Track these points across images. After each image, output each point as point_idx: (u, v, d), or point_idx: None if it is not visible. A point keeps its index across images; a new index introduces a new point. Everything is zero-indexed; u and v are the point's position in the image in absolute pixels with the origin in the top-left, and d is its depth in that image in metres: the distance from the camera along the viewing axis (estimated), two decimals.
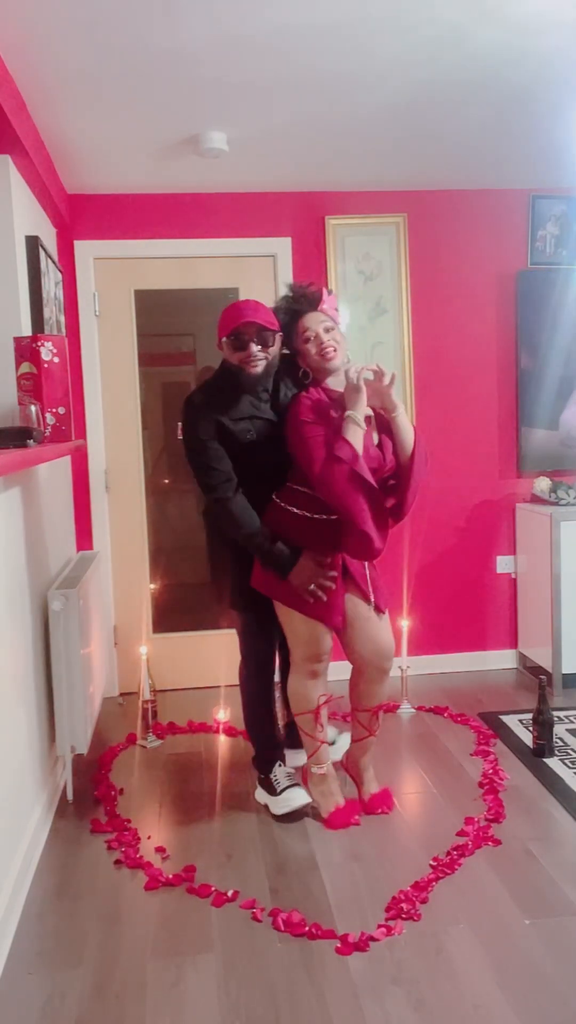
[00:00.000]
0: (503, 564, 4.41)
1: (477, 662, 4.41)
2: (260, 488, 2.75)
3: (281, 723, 3.12)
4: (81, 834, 2.85)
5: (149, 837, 2.81)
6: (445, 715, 3.78)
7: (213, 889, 2.47)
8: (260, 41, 2.54)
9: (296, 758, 3.05)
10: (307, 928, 2.27)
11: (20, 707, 2.61)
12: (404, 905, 2.34)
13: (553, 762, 3.22)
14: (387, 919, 2.30)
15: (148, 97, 2.92)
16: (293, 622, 2.78)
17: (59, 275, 3.86)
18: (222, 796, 3.09)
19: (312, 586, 2.68)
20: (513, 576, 4.41)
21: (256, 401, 2.73)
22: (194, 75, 2.76)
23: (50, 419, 2.87)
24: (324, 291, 2.78)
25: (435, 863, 2.56)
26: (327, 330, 2.70)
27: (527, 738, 3.41)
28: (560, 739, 3.39)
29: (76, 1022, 1.97)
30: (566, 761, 3.22)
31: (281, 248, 4.15)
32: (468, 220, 4.25)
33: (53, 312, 3.57)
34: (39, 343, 2.81)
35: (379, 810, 2.90)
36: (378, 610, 2.83)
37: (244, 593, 2.85)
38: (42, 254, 3.22)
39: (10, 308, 2.95)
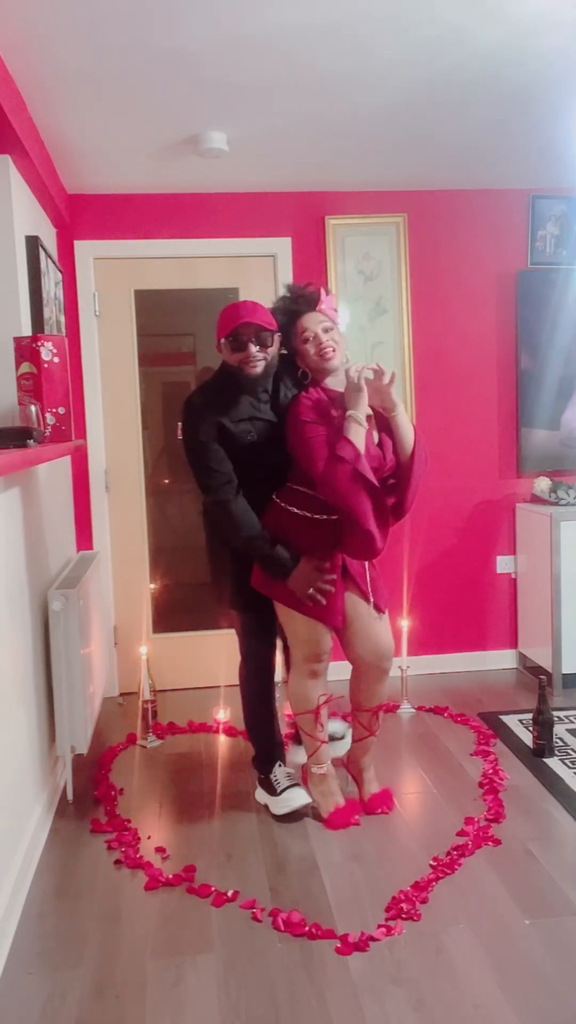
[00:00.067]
0: (503, 564, 4.41)
1: (477, 662, 4.41)
2: (260, 489, 2.75)
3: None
4: (81, 834, 2.85)
5: (149, 837, 2.81)
6: (445, 715, 3.78)
7: (213, 889, 2.47)
8: (260, 41, 2.54)
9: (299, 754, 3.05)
10: (307, 928, 2.27)
11: (20, 707, 2.61)
12: (404, 905, 2.34)
13: (553, 762, 3.22)
14: (387, 919, 2.30)
15: (148, 97, 2.92)
16: (293, 622, 2.78)
17: (59, 275, 3.86)
18: (222, 796, 3.10)
19: (311, 590, 2.68)
20: (513, 576, 4.41)
21: (256, 402, 2.73)
22: (194, 75, 2.76)
23: (50, 419, 2.87)
24: (322, 291, 2.78)
25: (435, 863, 2.56)
26: (326, 330, 2.70)
27: (527, 738, 3.41)
28: (560, 739, 3.39)
29: (76, 1022, 1.97)
30: (566, 761, 3.22)
31: (281, 248, 4.15)
32: (468, 220, 4.25)
33: (53, 312, 3.57)
34: (39, 343, 2.81)
35: (379, 810, 2.90)
36: (378, 610, 2.83)
37: (244, 593, 2.85)
38: (42, 254, 3.22)
39: (10, 308, 2.95)
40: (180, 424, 2.75)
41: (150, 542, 4.25)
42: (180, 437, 2.76)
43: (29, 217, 3.23)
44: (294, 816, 2.87)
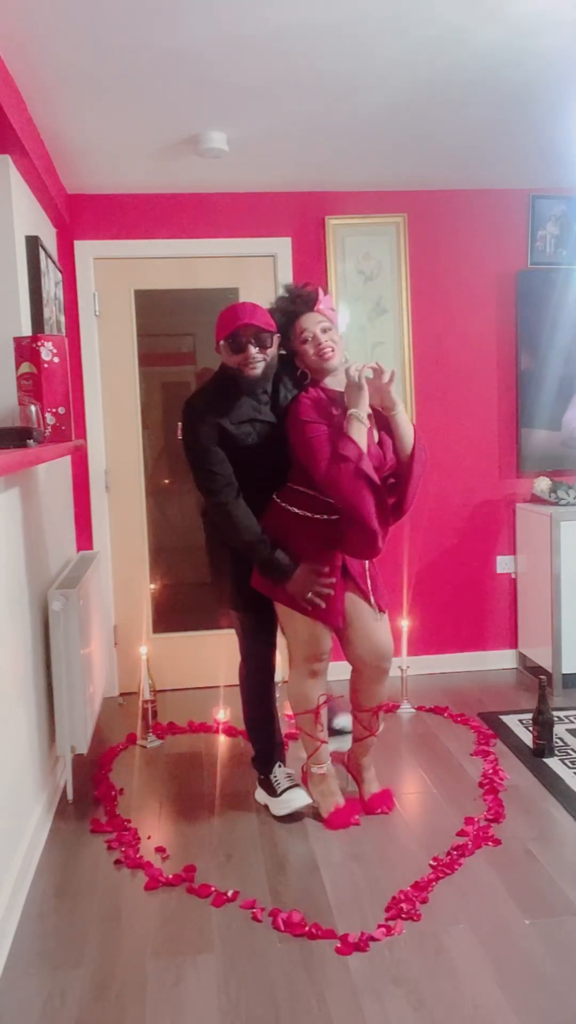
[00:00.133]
0: (503, 564, 4.41)
1: (477, 662, 4.41)
2: (260, 490, 2.75)
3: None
4: (81, 834, 2.85)
5: (149, 837, 2.81)
6: (445, 715, 3.78)
7: (213, 889, 2.47)
8: (260, 41, 2.54)
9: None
10: (307, 928, 2.27)
11: (20, 707, 2.61)
12: (404, 905, 2.34)
13: (553, 762, 3.22)
14: (387, 919, 2.30)
15: (148, 97, 2.92)
16: (293, 622, 2.78)
17: (59, 275, 3.86)
18: (222, 796, 3.10)
19: (310, 594, 2.69)
20: (513, 576, 4.41)
21: (256, 403, 2.72)
22: (194, 75, 2.76)
23: (50, 419, 2.87)
24: (320, 291, 2.78)
25: (435, 863, 2.56)
26: (324, 331, 2.70)
27: (527, 738, 3.41)
28: (560, 739, 3.39)
29: (76, 1022, 1.97)
30: (566, 761, 3.22)
31: (281, 248, 4.15)
32: (468, 220, 4.25)
33: (53, 312, 3.57)
34: (39, 343, 2.81)
35: (379, 810, 2.90)
36: (378, 610, 2.83)
37: (243, 593, 2.84)
38: (42, 254, 3.22)
39: (10, 308, 2.95)
40: (180, 424, 2.75)
41: (150, 542, 4.25)
42: (180, 437, 2.76)
43: (29, 217, 3.23)
44: (294, 816, 2.87)
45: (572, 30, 2.54)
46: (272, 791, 2.91)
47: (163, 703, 3.89)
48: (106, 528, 4.18)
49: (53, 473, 3.51)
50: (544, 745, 3.26)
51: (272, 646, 2.99)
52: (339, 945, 2.19)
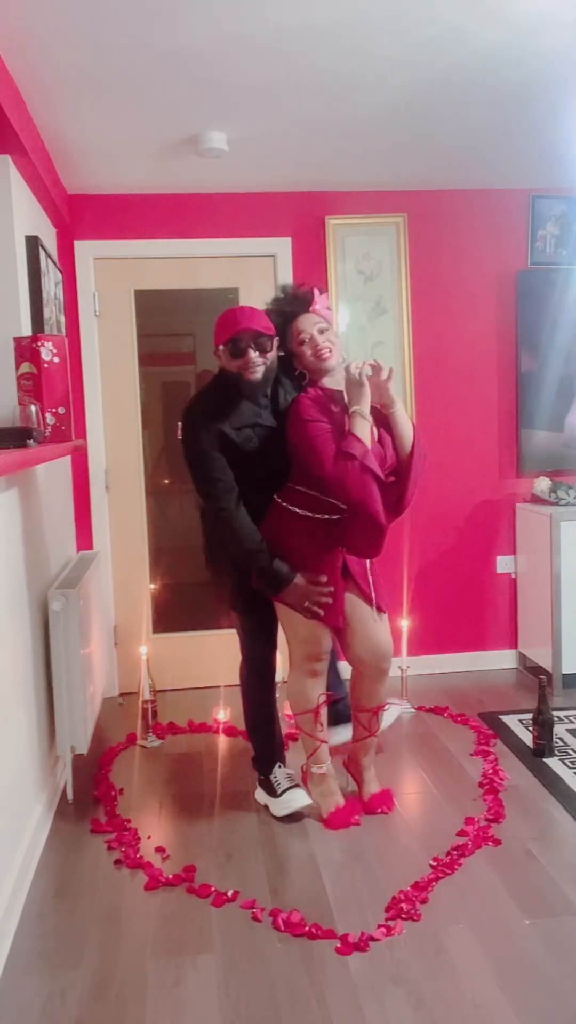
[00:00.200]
0: (503, 564, 4.41)
1: (477, 662, 4.41)
2: (261, 494, 2.74)
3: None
4: (81, 834, 2.85)
5: (149, 837, 2.81)
6: (445, 715, 3.78)
7: (213, 889, 2.47)
8: (260, 41, 2.54)
9: (339, 734, 3.05)
10: (307, 928, 2.27)
11: (20, 707, 2.61)
12: (404, 905, 2.34)
13: (553, 762, 3.22)
14: (387, 919, 2.30)
15: (148, 97, 2.92)
16: (293, 622, 2.78)
17: (59, 275, 3.86)
18: (222, 796, 3.10)
19: (307, 603, 2.69)
20: (513, 576, 4.41)
21: (256, 408, 2.72)
22: (194, 75, 2.76)
23: (50, 419, 2.87)
24: (315, 291, 2.78)
25: (435, 863, 2.56)
26: (321, 331, 2.70)
27: (527, 738, 3.41)
28: (560, 739, 3.39)
29: (76, 1022, 1.97)
30: (566, 761, 3.22)
31: (281, 248, 4.15)
32: (468, 220, 4.25)
33: (53, 312, 3.57)
34: (39, 343, 2.81)
35: (379, 810, 2.90)
36: (379, 610, 2.83)
37: (244, 594, 2.84)
38: (42, 254, 3.22)
39: (10, 308, 2.95)
40: (180, 424, 2.75)
41: (150, 542, 4.25)
42: (180, 437, 2.75)
43: (29, 217, 3.23)
44: (294, 816, 2.87)
45: (572, 30, 2.54)
46: (272, 791, 2.91)
47: (163, 703, 3.89)
48: (106, 528, 4.18)
49: (53, 473, 3.51)
50: (544, 745, 3.26)
51: (272, 646, 2.99)
52: (339, 945, 2.19)
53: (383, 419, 2.72)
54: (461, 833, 2.73)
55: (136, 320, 4.14)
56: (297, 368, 2.77)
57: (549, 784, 3.05)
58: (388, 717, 3.07)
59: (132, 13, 2.34)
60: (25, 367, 2.82)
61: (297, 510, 2.71)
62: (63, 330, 3.91)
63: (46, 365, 2.82)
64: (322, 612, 2.71)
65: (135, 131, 3.25)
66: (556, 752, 3.28)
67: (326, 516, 2.69)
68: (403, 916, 2.30)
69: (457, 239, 4.25)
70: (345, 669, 2.92)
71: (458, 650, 4.40)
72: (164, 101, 2.96)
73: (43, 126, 3.11)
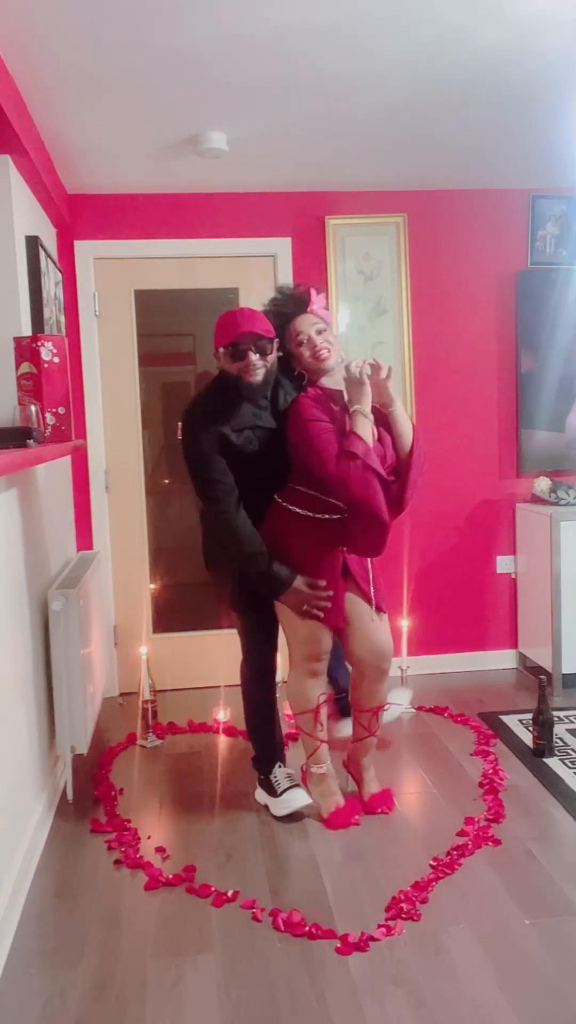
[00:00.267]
0: (503, 564, 4.41)
1: (477, 662, 4.40)
2: (260, 495, 2.74)
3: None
4: (81, 834, 2.85)
5: (149, 837, 2.81)
6: (445, 715, 3.78)
7: (213, 889, 2.47)
8: (260, 41, 2.54)
9: (346, 728, 3.07)
10: (307, 928, 2.27)
11: (20, 707, 2.61)
12: (404, 905, 2.34)
13: (553, 762, 3.22)
14: (387, 919, 2.30)
15: (148, 97, 2.92)
16: (293, 622, 2.78)
17: (59, 275, 3.86)
18: (222, 796, 3.10)
19: (305, 607, 2.69)
20: (513, 576, 4.41)
21: (257, 410, 2.72)
22: (194, 75, 2.76)
23: (50, 419, 2.87)
24: (312, 291, 2.77)
25: (435, 863, 2.56)
26: (319, 332, 2.70)
27: (527, 738, 3.41)
28: (560, 739, 3.39)
29: (76, 1022, 1.97)
30: (566, 761, 3.22)
31: (281, 248, 4.15)
32: (468, 220, 4.25)
33: (53, 312, 3.57)
34: (39, 343, 2.81)
35: (379, 810, 2.90)
36: (378, 610, 2.83)
37: (244, 594, 2.84)
38: (42, 254, 3.22)
39: (10, 308, 2.95)
40: (180, 424, 2.75)
41: (150, 542, 4.25)
42: (180, 437, 2.75)
43: (29, 217, 3.23)
44: (294, 816, 2.87)
45: (572, 30, 2.54)
46: (272, 791, 2.91)
47: (163, 703, 3.89)
48: (106, 528, 4.18)
49: (53, 473, 3.51)
50: (544, 745, 3.26)
51: (273, 646, 2.98)
52: (339, 945, 2.19)
53: (382, 418, 2.72)
54: (461, 833, 2.73)
55: (136, 320, 4.14)
56: (296, 368, 2.77)
57: (549, 784, 3.05)
58: (399, 703, 3.15)
59: (132, 13, 2.34)
60: (25, 367, 2.82)
61: (297, 510, 2.71)
62: (63, 330, 3.91)
63: (46, 365, 2.82)
64: (321, 615, 2.71)
65: (135, 131, 3.25)
66: (556, 752, 3.28)
67: (326, 516, 2.69)
68: (403, 916, 2.30)
69: (457, 239, 4.25)
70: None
71: (458, 650, 4.40)
72: (164, 101, 2.96)
73: (43, 126, 3.11)
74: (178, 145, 3.41)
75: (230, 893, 2.44)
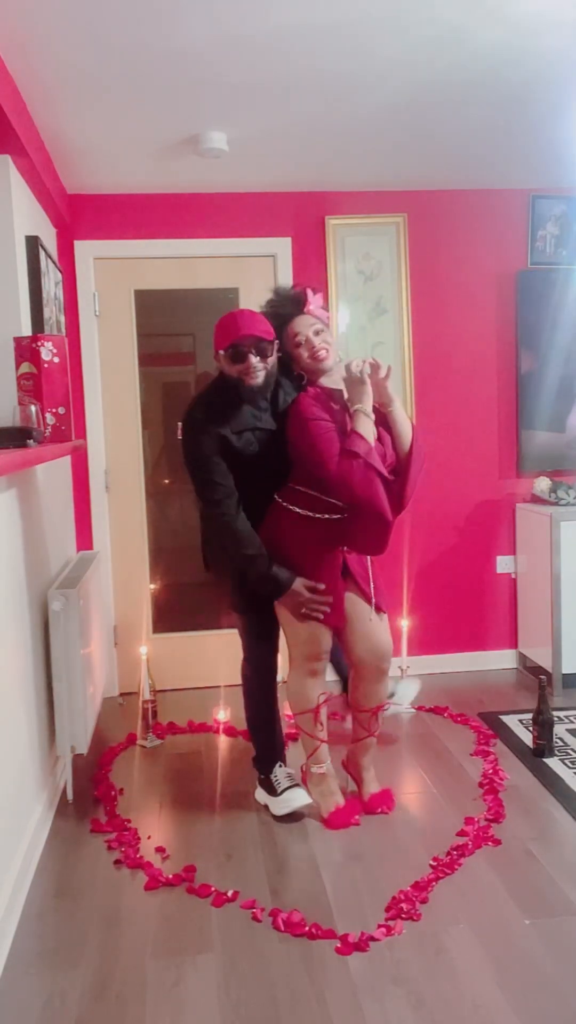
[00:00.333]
0: (503, 564, 4.41)
1: (477, 662, 4.41)
2: (260, 495, 2.74)
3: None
4: (81, 834, 2.85)
5: (149, 837, 2.81)
6: (445, 715, 3.78)
7: (213, 889, 2.47)
8: (260, 41, 2.54)
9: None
10: (307, 928, 2.27)
11: (20, 707, 2.61)
12: (404, 905, 2.34)
13: (553, 762, 3.22)
14: (387, 919, 2.30)
15: (148, 97, 2.92)
16: (293, 622, 2.78)
17: (59, 275, 3.86)
18: (222, 796, 3.10)
19: (303, 610, 2.70)
20: (513, 576, 4.41)
21: (257, 411, 2.71)
22: (194, 75, 2.76)
23: (50, 419, 2.87)
24: (308, 292, 2.77)
25: (435, 863, 2.56)
26: (317, 332, 2.70)
27: (527, 738, 3.41)
28: (560, 739, 3.39)
29: (76, 1022, 1.97)
30: (566, 761, 3.22)
31: (281, 248, 4.15)
32: (468, 220, 4.25)
33: (53, 312, 3.57)
34: (39, 343, 2.81)
35: (379, 810, 2.90)
36: (378, 610, 2.83)
37: (244, 594, 2.84)
38: (42, 254, 3.22)
39: (10, 308, 2.95)
40: (180, 425, 2.74)
41: (150, 542, 4.25)
42: (180, 437, 2.75)
43: (29, 217, 3.23)
44: (294, 816, 2.87)
45: (572, 30, 2.54)
46: (272, 790, 2.91)
47: (163, 703, 3.89)
48: (106, 528, 4.18)
49: (53, 473, 3.51)
50: (544, 745, 3.26)
51: (274, 646, 2.98)
52: (339, 945, 2.19)
53: (381, 418, 2.72)
54: (461, 833, 2.73)
55: (136, 320, 4.14)
56: (295, 369, 2.77)
57: (549, 784, 3.05)
58: (407, 693, 3.18)
59: (132, 13, 2.34)
60: (25, 367, 2.82)
61: (297, 510, 2.71)
62: (63, 330, 3.91)
63: (46, 365, 2.82)
64: (320, 617, 2.71)
65: (135, 131, 3.25)
66: (556, 752, 3.28)
67: (326, 516, 2.69)
68: (403, 916, 2.30)
69: (457, 239, 4.25)
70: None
71: (458, 650, 4.40)
72: (164, 101, 2.96)
73: (43, 126, 3.11)
74: (178, 145, 3.41)
75: (230, 893, 2.44)
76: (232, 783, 3.19)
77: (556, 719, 3.43)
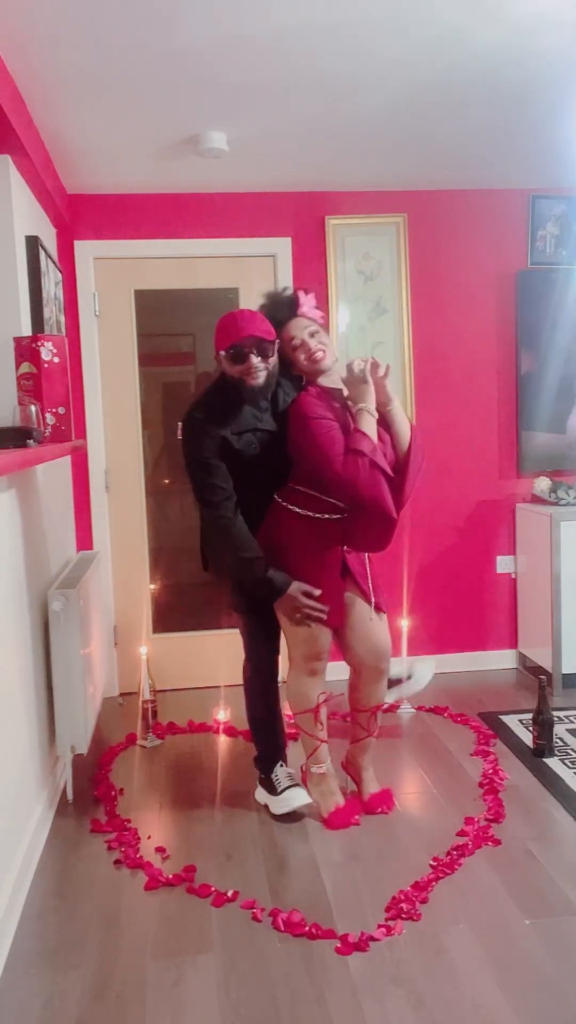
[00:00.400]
0: (503, 564, 4.41)
1: (477, 662, 4.41)
2: (260, 496, 2.74)
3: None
4: (81, 834, 2.85)
5: (149, 837, 2.81)
6: (445, 715, 3.78)
7: (213, 889, 2.47)
8: (260, 41, 2.54)
9: None
10: (307, 928, 2.27)
11: (20, 707, 2.61)
12: (404, 905, 2.34)
13: (553, 762, 3.22)
14: (387, 919, 2.30)
15: (148, 97, 2.92)
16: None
17: (59, 275, 3.86)
18: (222, 796, 3.10)
19: (298, 615, 2.70)
20: (513, 576, 4.41)
21: (258, 412, 2.71)
22: (194, 75, 2.76)
23: (50, 419, 2.87)
24: (300, 294, 2.76)
25: (435, 863, 2.56)
26: (312, 334, 2.70)
27: (527, 738, 3.41)
28: (560, 739, 3.39)
29: (76, 1022, 1.97)
30: (566, 761, 3.22)
31: (281, 248, 4.15)
32: (468, 220, 4.25)
33: (53, 312, 3.57)
34: (39, 343, 2.81)
35: (379, 810, 2.90)
36: (378, 610, 2.83)
37: (245, 594, 2.84)
38: (42, 254, 3.22)
39: (10, 308, 2.95)
40: (180, 425, 2.74)
41: (150, 542, 4.25)
42: (179, 437, 2.75)
43: (29, 217, 3.23)
44: (294, 816, 2.87)
45: (572, 30, 2.54)
46: (272, 790, 2.91)
47: (163, 703, 3.89)
48: (106, 528, 4.18)
49: (53, 473, 3.51)
50: (544, 745, 3.26)
51: (275, 646, 2.98)
52: (339, 945, 2.19)
53: (380, 416, 2.72)
54: (461, 833, 2.73)
55: (136, 320, 4.14)
56: (294, 372, 2.76)
57: (549, 784, 3.05)
58: (424, 674, 3.21)
59: (132, 13, 2.34)
60: (25, 367, 2.82)
61: (297, 510, 2.71)
62: (63, 330, 3.91)
63: (46, 365, 2.82)
64: (316, 622, 2.71)
65: (135, 131, 3.25)
66: (556, 752, 3.28)
67: (326, 516, 2.69)
68: (403, 916, 2.30)
69: (457, 239, 4.25)
70: (344, 670, 2.91)
71: (458, 650, 4.40)
72: (164, 101, 2.96)
73: (43, 126, 3.11)
74: (178, 145, 3.41)
75: (230, 893, 2.44)
76: (232, 783, 3.19)
77: (556, 719, 3.43)
